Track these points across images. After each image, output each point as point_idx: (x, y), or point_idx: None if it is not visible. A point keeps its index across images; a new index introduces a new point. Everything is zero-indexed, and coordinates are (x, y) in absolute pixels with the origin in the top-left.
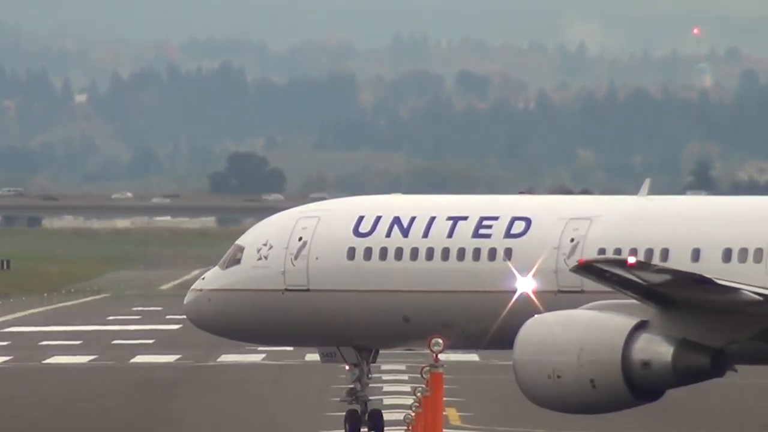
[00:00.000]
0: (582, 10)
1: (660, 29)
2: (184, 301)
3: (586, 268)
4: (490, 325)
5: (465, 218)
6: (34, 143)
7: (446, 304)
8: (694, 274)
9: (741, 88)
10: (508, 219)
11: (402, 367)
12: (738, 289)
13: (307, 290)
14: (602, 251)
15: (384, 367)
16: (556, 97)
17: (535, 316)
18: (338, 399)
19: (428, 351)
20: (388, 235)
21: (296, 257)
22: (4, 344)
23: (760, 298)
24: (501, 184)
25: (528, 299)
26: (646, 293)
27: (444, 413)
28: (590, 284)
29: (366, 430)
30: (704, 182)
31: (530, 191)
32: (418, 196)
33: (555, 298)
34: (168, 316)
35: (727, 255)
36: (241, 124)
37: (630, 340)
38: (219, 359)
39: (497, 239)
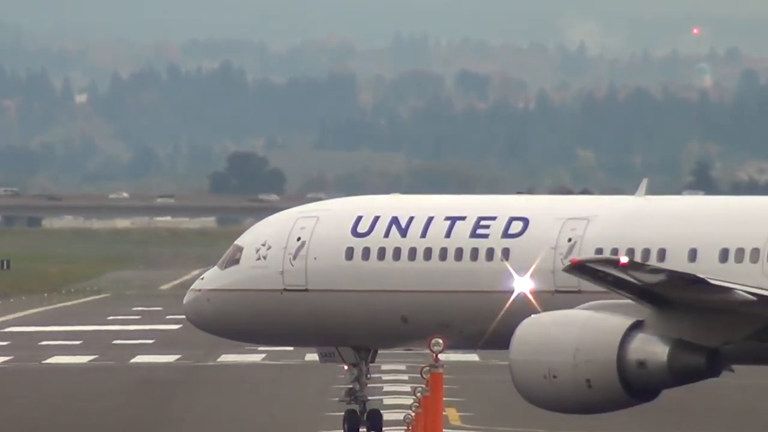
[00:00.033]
0: (582, 10)
1: (660, 29)
2: (184, 301)
3: (579, 268)
4: (488, 325)
5: (463, 218)
6: (34, 143)
7: (444, 304)
8: (688, 274)
9: (741, 88)
10: (506, 219)
11: (402, 367)
12: (732, 289)
13: (306, 290)
14: (599, 251)
15: (384, 367)
16: (556, 97)
17: (532, 316)
18: (337, 399)
19: (427, 351)
20: (387, 235)
21: (295, 257)
22: (4, 344)
23: (754, 298)
24: (501, 184)
25: (525, 299)
26: (641, 293)
27: (444, 413)
28: (587, 284)
29: (365, 430)
30: (704, 182)
31: (530, 191)
32: (416, 196)
33: (552, 298)
34: (168, 316)
35: (723, 255)
36: (241, 124)
37: (625, 340)
38: (219, 359)
39: (495, 239)
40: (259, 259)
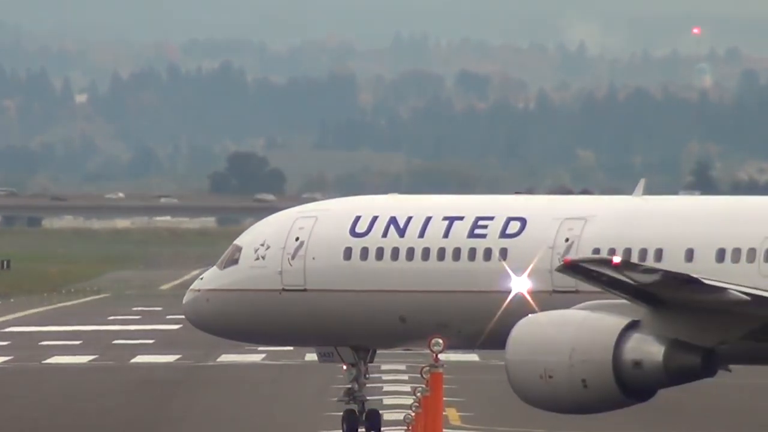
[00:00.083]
0: (582, 10)
1: (660, 29)
2: (183, 301)
3: (572, 268)
4: (486, 325)
5: (461, 218)
6: (34, 143)
7: (442, 304)
8: (682, 273)
9: (741, 88)
10: (504, 219)
11: (402, 367)
12: (725, 289)
13: (304, 290)
14: (596, 251)
15: (384, 367)
16: (556, 97)
17: (528, 316)
18: (336, 399)
19: (425, 351)
20: (385, 235)
21: (293, 257)
22: (4, 344)
23: (748, 298)
24: (501, 184)
25: (523, 299)
26: (636, 293)
27: (444, 413)
28: (585, 284)
29: (363, 429)
30: (704, 182)
31: (530, 191)
32: (414, 196)
33: (550, 298)
34: (168, 316)
35: (720, 255)
36: (241, 124)
37: (621, 339)
38: (219, 359)
39: (492, 239)
40: (257, 259)
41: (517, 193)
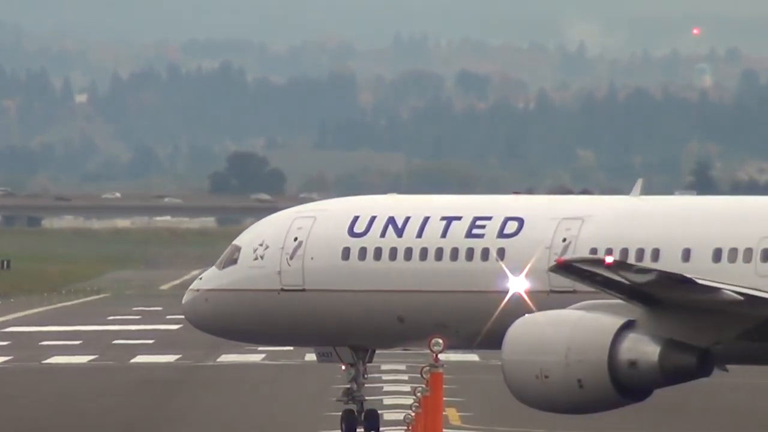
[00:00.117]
0: (582, 10)
1: (660, 29)
2: (182, 301)
3: (565, 268)
4: (484, 325)
5: (459, 218)
6: (34, 143)
7: (440, 304)
8: (675, 273)
9: (741, 88)
10: (501, 219)
11: (402, 367)
12: (719, 289)
13: (303, 290)
14: (594, 251)
15: (384, 367)
16: (556, 97)
17: (524, 315)
18: (334, 399)
19: (424, 351)
20: (383, 235)
21: (292, 257)
22: (4, 344)
23: (741, 298)
24: (501, 184)
25: (520, 299)
26: (631, 293)
27: (444, 413)
28: (583, 284)
29: (362, 429)
30: (704, 182)
31: (530, 191)
32: (413, 196)
33: (547, 298)
34: (168, 316)
35: (717, 255)
36: (241, 124)
37: (617, 339)
38: (219, 359)
39: (490, 239)
40: (256, 259)
41: (515, 192)
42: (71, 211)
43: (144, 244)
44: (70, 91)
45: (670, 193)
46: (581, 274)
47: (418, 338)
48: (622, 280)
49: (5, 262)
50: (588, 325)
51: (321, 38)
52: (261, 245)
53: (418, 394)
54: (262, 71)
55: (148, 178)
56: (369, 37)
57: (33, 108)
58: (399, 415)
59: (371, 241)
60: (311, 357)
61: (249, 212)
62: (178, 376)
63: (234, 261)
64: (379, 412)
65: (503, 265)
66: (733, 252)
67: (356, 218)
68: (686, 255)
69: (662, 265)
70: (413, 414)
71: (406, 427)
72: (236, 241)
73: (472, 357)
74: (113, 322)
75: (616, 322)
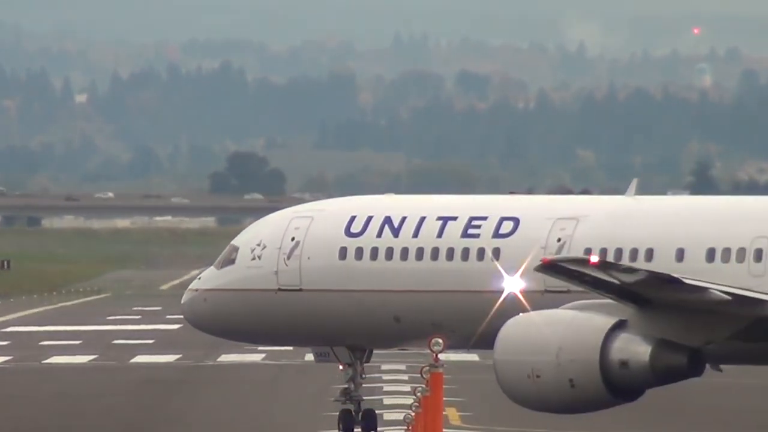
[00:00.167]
0: (582, 10)
1: (660, 29)
2: (181, 301)
3: (551, 267)
4: (480, 325)
5: (454, 218)
6: (34, 143)
7: (436, 304)
8: (662, 273)
9: (741, 88)
10: (497, 219)
11: (402, 367)
12: (707, 289)
13: (300, 290)
14: (588, 251)
15: (384, 367)
16: (556, 97)
17: (517, 315)
18: (332, 399)
19: (420, 350)
20: (379, 235)
21: (289, 257)
22: (4, 344)
23: (729, 298)
24: (501, 184)
25: (516, 299)
26: (620, 293)
27: (444, 413)
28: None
29: (360, 429)
30: (704, 182)
31: (530, 191)
32: (410, 196)
33: (542, 298)
34: (168, 316)
35: (710, 255)
36: (241, 124)
37: (608, 339)
38: (219, 359)
39: (486, 239)
40: (254, 258)
41: (511, 192)
42: (71, 211)
43: (144, 244)
44: (70, 91)
45: (664, 193)
46: (569, 273)
47: (415, 338)
48: (611, 280)
49: (5, 262)
50: (580, 324)
51: (321, 38)
52: (258, 245)
53: (418, 394)
54: (262, 71)
55: (148, 178)
56: (369, 37)
57: (33, 108)
58: (399, 415)
59: (368, 241)
60: (311, 357)
61: (249, 212)
62: (178, 376)
63: (232, 261)
64: (380, 411)
65: (498, 265)
66: (727, 252)
67: (353, 218)
68: (680, 255)
69: (656, 265)
70: (413, 414)
71: (406, 427)
72: (234, 241)
73: (472, 357)
74: (113, 322)
75: (607, 321)
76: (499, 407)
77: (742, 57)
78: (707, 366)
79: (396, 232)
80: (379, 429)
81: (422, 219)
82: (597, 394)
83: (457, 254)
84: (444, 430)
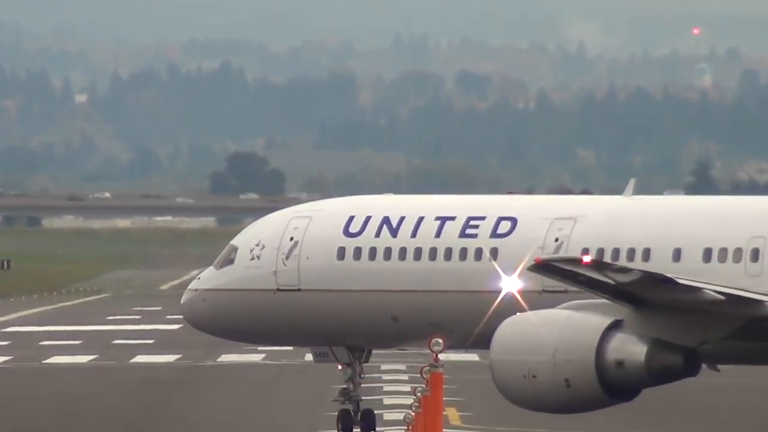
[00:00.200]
0: (582, 10)
1: (660, 29)
2: (181, 301)
3: (544, 267)
4: (477, 325)
5: (453, 218)
6: (34, 143)
7: (434, 304)
8: (656, 273)
9: (741, 88)
10: (495, 219)
11: (402, 367)
12: (700, 289)
13: (299, 290)
14: (585, 251)
15: (384, 367)
16: (556, 97)
17: (513, 315)
18: (331, 399)
19: (419, 350)
20: (378, 235)
21: (287, 257)
22: (4, 344)
23: (722, 298)
24: (501, 184)
25: (513, 299)
26: (615, 293)
27: (444, 413)
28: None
29: (359, 429)
30: (704, 182)
31: (530, 191)
32: (408, 196)
33: (540, 298)
34: (168, 316)
35: (707, 255)
36: (241, 124)
37: (604, 339)
38: (219, 359)
39: (483, 239)
40: (253, 259)
41: (509, 192)
42: (71, 211)
43: (144, 244)
44: (70, 91)
45: (661, 193)
46: (563, 273)
47: (413, 338)
48: (605, 280)
49: (5, 262)
50: (576, 324)
51: (321, 38)
52: (257, 245)
53: (418, 394)
54: (262, 71)
55: (148, 178)
56: (369, 37)
57: (33, 108)
58: (399, 415)
59: (366, 241)
60: (311, 357)
61: (249, 212)
62: (178, 376)
63: (231, 261)
64: (380, 411)
65: (496, 265)
66: (723, 252)
67: (351, 218)
68: (677, 255)
69: (653, 265)
70: (413, 414)
71: (406, 427)
72: (233, 241)
73: (472, 357)
74: (113, 322)
75: (603, 321)
76: (498, 407)
77: (742, 57)
78: (704, 366)
79: (394, 232)
80: (379, 429)
81: (420, 219)
82: (593, 394)
83: (455, 254)
84: (444, 430)
